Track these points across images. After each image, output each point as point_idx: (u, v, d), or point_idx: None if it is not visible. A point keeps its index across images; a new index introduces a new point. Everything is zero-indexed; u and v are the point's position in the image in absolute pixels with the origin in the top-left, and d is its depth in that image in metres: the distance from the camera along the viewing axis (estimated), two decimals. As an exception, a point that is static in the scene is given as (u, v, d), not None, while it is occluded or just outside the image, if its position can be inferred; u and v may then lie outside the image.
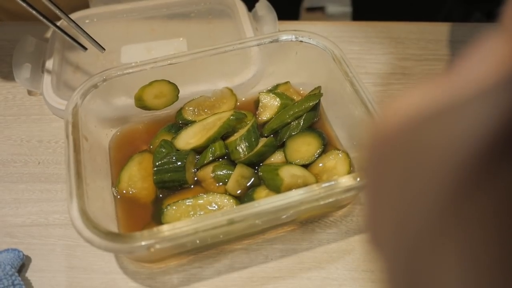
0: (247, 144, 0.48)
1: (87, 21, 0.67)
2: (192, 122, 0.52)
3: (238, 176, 0.47)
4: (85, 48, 0.55)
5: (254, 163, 0.49)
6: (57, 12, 0.52)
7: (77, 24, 0.54)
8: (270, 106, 0.53)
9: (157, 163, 0.47)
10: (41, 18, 0.50)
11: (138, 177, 0.48)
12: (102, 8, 0.68)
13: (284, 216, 0.43)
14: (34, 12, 0.49)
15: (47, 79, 0.58)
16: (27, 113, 0.59)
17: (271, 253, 0.46)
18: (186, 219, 0.40)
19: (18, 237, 0.47)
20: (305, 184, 0.45)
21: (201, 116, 0.53)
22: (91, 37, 0.55)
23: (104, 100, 0.52)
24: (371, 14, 0.82)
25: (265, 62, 0.58)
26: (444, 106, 0.13)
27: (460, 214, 0.12)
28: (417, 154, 0.13)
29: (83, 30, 0.55)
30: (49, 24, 0.51)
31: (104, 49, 0.56)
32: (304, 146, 0.49)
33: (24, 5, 0.48)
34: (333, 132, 0.53)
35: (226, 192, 0.46)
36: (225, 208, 0.44)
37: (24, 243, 0.47)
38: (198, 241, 0.43)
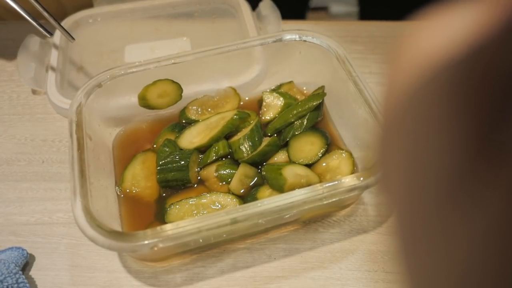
0: (250, 143, 0.48)
1: (90, 20, 0.67)
2: (195, 122, 0.52)
3: (241, 175, 0.47)
4: (51, 34, 0.57)
5: (257, 162, 0.49)
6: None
7: (49, 13, 0.55)
8: (273, 105, 0.53)
9: (160, 162, 0.47)
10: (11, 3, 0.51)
11: (141, 176, 0.48)
12: (106, 7, 0.68)
13: (287, 216, 0.43)
14: None
15: (51, 78, 0.58)
16: (31, 112, 0.59)
17: (274, 253, 0.46)
18: (189, 218, 0.40)
19: (22, 235, 0.48)
20: (308, 184, 0.45)
21: (204, 116, 0.53)
22: (62, 27, 0.57)
23: (108, 99, 0.52)
24: (378, 14, 0.82)
25: (269, 62, 0.58)
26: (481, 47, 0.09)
27: (473, 193, 0.11)
28: (449, 111, 0.10)
29: (55, 19, 0.56)
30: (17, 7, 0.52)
31: (73, 38, 0.57)
32: (307, 146, 0.49)
33: None
34: (336, 132, 0.53)
35: (229, 192, 0.46)
36: (228, 207, 0.44)
37: (28, 241, 0.47)
38: (201, 240, 0.43)
